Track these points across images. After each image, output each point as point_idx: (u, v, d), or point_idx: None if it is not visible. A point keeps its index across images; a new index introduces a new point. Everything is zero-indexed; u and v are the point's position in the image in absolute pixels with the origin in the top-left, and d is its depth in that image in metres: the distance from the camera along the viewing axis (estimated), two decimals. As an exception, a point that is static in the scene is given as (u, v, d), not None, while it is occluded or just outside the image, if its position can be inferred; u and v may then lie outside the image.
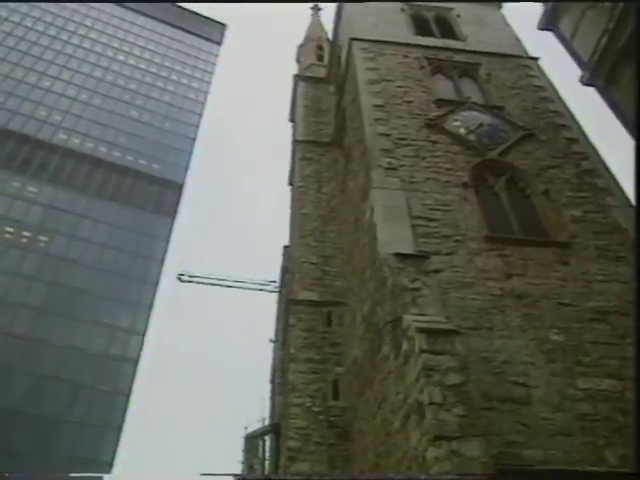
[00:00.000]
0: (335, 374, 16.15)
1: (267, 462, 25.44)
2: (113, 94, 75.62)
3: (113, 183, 65.01)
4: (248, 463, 29.04)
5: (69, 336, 50.03)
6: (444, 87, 19.71)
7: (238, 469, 31.10)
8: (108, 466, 44.80)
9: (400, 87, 19.00)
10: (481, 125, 17.18)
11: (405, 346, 10.59)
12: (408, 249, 12.90)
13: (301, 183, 22.68)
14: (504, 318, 12.08)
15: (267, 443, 26.41)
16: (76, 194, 61.72)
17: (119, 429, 47.25)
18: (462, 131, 17.13)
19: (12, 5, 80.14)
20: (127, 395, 49.22)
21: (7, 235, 55.53)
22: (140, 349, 52.48)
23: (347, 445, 14.61)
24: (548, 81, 20.25)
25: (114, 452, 45.92)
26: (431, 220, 14.06)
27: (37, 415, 44.85)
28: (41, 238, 56.80)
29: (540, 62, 21.49)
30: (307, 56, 34.75)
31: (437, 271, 12.65)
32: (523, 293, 12.61)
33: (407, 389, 10.12)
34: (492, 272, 13.04)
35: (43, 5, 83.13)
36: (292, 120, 32.81)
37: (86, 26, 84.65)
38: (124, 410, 48.41)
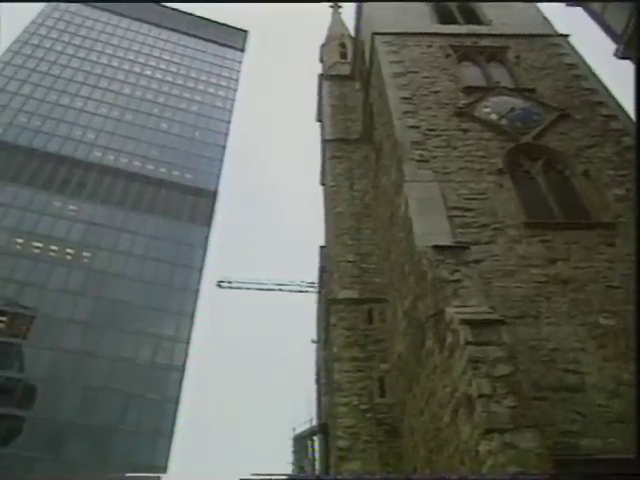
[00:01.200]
0: (380, 371, 16.04)
1: (317, 462, 25.50)
2: (143, 109, 77.27)
3: (149, 196, 66.44)
4: (298, 464, 29.17)
5: (116, 347, 51.36)
6: (472, 74, 19.32)
7: (288, 470, 31.26)
8: (163, 470, 45.80)
9: (426, 78, 18.72)
10: (513, 109, 16.78)
11: (449, 339, 10.43)
12: (446, 241, 12.70)
13: (333, 182, 22.63)
14: (550, 305, 11.76)
15: (316, 443, 26.48)
16: (114, 209, 63.33)
17: (170, 435, 48.27)
18: (493, 117, 16.77)
19: (42, 31, 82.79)
20: (176, 402, 50.23)
21: (52, 253, 57.37)
22: (185, 356, 53.46)
23: (397, 442, 14.48)
24: (580, 58, 19.58)
25: (167, 457, 46.90)
26: (468, 210, 13.81)
27: (91, 425, 46.21)
28: (84, 254, 58.50)
29: (570, 39, 20.83)
30: (330, 55, 34.67)
31: (477, 261, 12.40)
32: (569, 278, 12.25)
33: (454, 382, 9.96)
34: (534, 259, 12.72)
35: (71, 29, 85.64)
36: (319, 120, 32.80)
37: (113, 45, 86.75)
38: (174, 417, 49.42)
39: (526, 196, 14.33)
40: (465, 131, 16.39)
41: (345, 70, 31.30)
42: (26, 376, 48.71)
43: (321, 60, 36.77)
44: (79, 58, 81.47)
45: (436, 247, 12.34)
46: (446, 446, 10.34)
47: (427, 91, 18.10)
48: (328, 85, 29.37)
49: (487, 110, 17.02)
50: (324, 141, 26.53)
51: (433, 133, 16.35)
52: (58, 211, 61.32)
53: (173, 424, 49.02)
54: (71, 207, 62.46)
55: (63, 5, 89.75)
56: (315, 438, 25.26)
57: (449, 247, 12.46)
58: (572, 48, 20.29)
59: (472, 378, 9.13)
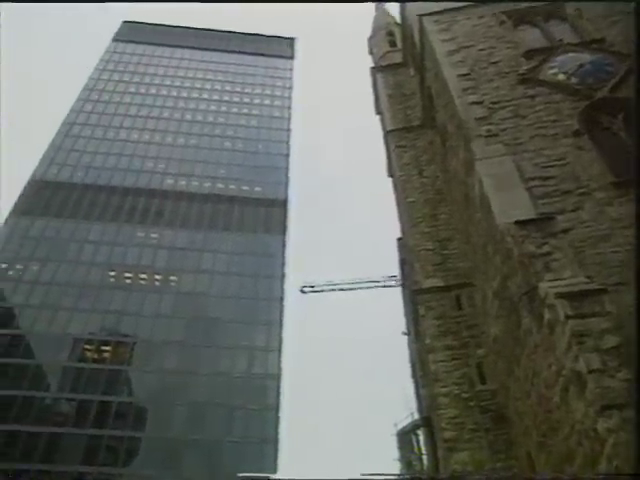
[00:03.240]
0: (477, 357, 15.57)
1: (424, 456, 25.14)
2: (206, 131, 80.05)
3: (223, 214, 68.59)
4: (405, 460, 28.95)
5: (213, 363, 53.29)
6: (531, 36, 18.37)
7: (395, 466, 31.07)
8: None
9: (483, 50, 18.01)
10: (581, 65, 15.76)
11: (547, 315, 9.93)
12: (528, 214, 12.13)
13: (401, 172, 22.27)
14: (655, 265, 10.91)
15: (420, 437, 26.13)
16: (193, 231, 65.88)
17: (275, 442, 49.32)
18: (561, 77, 15.84)
19: (105, 76, 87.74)
20: (276, 409, 51.29)
21: (142, 282, 60.48)
22: (279, 364, 54.50)
23: (505, 428, 13.97)
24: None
25: (275, 464, 47.93)
26: (547, 179, 13.11)
27: (201, 440, 48.13)
28: (171, 278, 61.23)
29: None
30: (379, 46, 34.23)
31: (566, 230, 11.74)
32: (670, 234, 11.32)
33: (559, 360, 9.46)
34: (629, 219, 11.86)
35: (130, 68, 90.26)
36: (378, 112, 32.45)
37: (169, 76, 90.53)
38: (276, 424, 50.47)
39: (610, 155, 13.40)
40: (532, 97, 15.59)
41: (396, 58, 30.78)
42: (135, 399, 51.60)
43: (370, 52, 36.40)
44: (141, 94, 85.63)
45: (519, 222, 11.83)
46: (560, 428, 9.84)
47: (485, 63, 17.42)
48: (382, 76, 29.01)
49: (553, 71, 16.11)
50: (386, 132, 26.20)
51: (498, 105, 15.69)
52: (142, 241, 64.59)
53: (277, 431, 50.10)
54: (153, 235, 65.59)
55: (121, 46, 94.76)
56: (419, 432, 24.94)
57: (533, 220, 11.90)
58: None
59: (579, 353, 8.65)
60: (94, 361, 54.04)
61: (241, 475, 42.75)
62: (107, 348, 55.12)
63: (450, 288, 17.29)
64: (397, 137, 24.05)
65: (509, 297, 12.35)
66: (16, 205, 66.27)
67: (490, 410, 14.55)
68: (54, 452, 47.18)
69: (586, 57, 16.06)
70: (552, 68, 16.22)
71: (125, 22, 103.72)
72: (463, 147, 16.13)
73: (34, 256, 61.13)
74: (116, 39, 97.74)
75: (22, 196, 67.54)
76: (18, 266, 60.50)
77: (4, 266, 60.24)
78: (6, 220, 64.21)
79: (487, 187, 13.47)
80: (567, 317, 9.14)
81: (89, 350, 54.92)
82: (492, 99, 16.03)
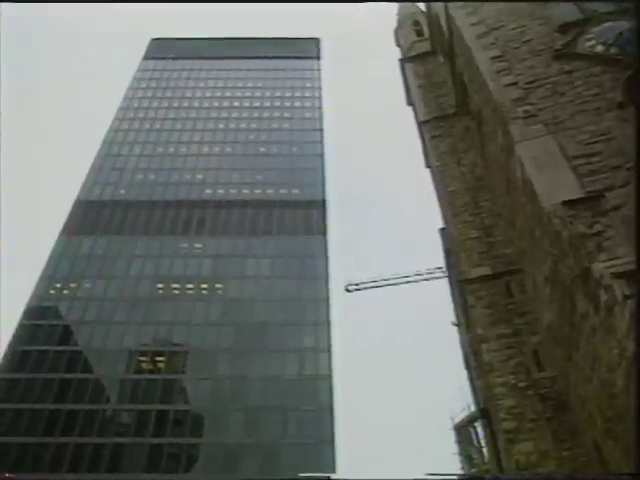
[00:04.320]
0: (532, 344, 15.13)
1: (484, 449, 24.67)
2: (240, 139, 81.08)
3: (263, 219, 69.25)
4: (465, 453, 28.47)
5: (264, 367, 53.79)
6: (564, 10, 17.70)
7: (454, 461, 30.62)
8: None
9: (514, 29, 17.52)
10: (620, 34, 15.11)
11: (604, 297, 9.57)
12: (575, 193, 11.71)
13: (439, 162, 21.92)
14: None
15: (479, 430, 25.65)
16: (234, 238, 66.75)
17: (332, 442, 49.31)
18: (599, 48, 15.23)
19: (139, 94, 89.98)
20: (330, 409, 51.31)
21: (189, 291, 61.69)
22: (330, 364, 54.53)
23: (568, 416, 13.52)
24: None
25: (334, 464, 47.91)
26: (592, 155, 12.62)
27: (258, 444, 48.71)
28: (217, 286, 62.23)
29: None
30: (406, 37, 33.81)
31: (617, 207, 11.26)
32: None
33: (620, 342, 9.10)
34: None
35: (162, 83, 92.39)
36: (410, 104, 32.06)
37: (201, 87, 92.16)
38: (332, 424, 50.48)
39: (658, 124, 12.79)
40: (570, 73, 15.06)
41: (424, 47, 30.34)
42: (191, 407, 52.64)
43: (397, 44, 36.00)
44: (174, 108, 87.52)
45: (566, 203, 11.44)
46: (627, 413, 9.44)
47: (517, 43, 16.94)
48: (411, 67, 28.65)
49: (591, 43, 15.51)
50: (420, 123, 25.85)
51: (534, 85, 15.23)
52: (186, 252, 65.91)
53: (333, 431, 50.10)
54: (197, 245, 66.85)
55: (152, 63, 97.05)
56: (477, 424, 24.49)
57: (581, 199, 11.49)
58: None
59: (641, 334, 8.26)
60: (149, 372, 55.47)
61: (302, 475, 42.94)
62: (161, 358, 56.47)
63: (498, 276, 16.87)
64: (432, 127, 23.68)
65: (561, 281, 11.96)
66: (65, 226, 68.72)
67: (550, 398, 14.12)
68: (119, 461, 48.66)
69: (624, 25, 15.38)
70: (589, 40, 15.64)
71: (154, 39, 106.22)
72: (501, 131, 15.74)
73: (85, 274, 63.22)
74: (146, 57, 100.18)
75: (70, 217, 69.99)
76: (72, 285, 62.68)
77: (58, 285, 62.50)
78: (57, 241, 66.62)
79: (529, 169, 13.09)
80: (625, 297, 8.78)
81: (144, 361, 56.41)
82: (527, 79, 15.58)
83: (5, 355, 55.23)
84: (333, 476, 45.29)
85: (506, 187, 16.41)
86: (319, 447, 48.96)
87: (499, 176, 17.41)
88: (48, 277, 62.71)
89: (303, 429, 50.14)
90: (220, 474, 47.29)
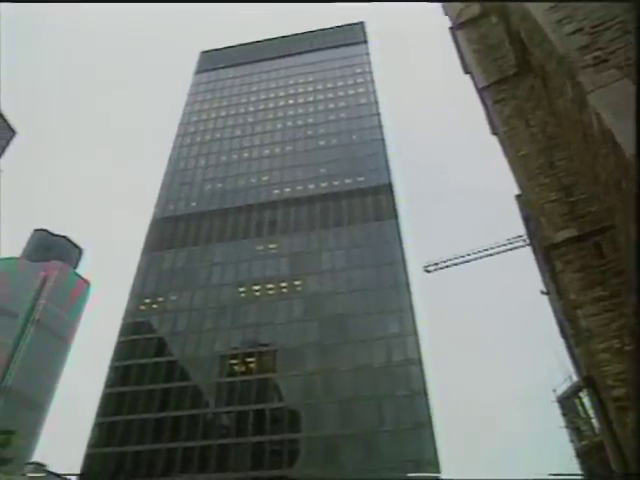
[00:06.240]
0: (633, 304, 14.12)
1: (593, 420, 23.49)
2: (299, 136, 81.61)
3: (332, 211, 69.45)
4: (572, 426, 27.21)
5: (353, 358, 54.04)
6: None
7: (562, 435, 29.35)
8: (434, 464, 46.34)
9: (568, -27, 16.35)
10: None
11: None
12: (663, 135, 10.74)
13: (506, 127, 20.89)
14: None
15: (585, 400, 24.44)
16: (307, 234, 67.38)
17: (430, 426, 48.78)
18: (670, -23, 13.92)
19: (196, 107, 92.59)
20: (424, 393, 50.75)
21: (270, 292, 62.98)
22: (418, 348, 53.90)
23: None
24: None
25: (434, 449, 47.37)
26: (677, 92, 11.54)
27: (356, 434, 49.03)
28: (296, 283, 63.08)
29: None
30: (453, 5, 32.62)
31: None
32: None
33: None
34: None
35: (217, 94, 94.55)
36: (467, 72, 30.91)
37: (254, 91, 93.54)
38: (427, 408, 49.92)
39: None
40: (640, 7, 13.85)
41: (474, 11, 29.03)
42: (286, 404, 53.79)
43: (446, 14, 34.80)
44: (232, 115, 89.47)
45: (654, 147, 10.51)
46: None
47: (575, -13, 15.79)
48: (463, 33, 27.48)
49: (659, -28, 14.20)
50: (480, 90, 24.80)
51: (602, 27, 14.10)
52: (262, 253, 67.33)
53: (429, 414, 49.57)
54: (271, 246, 68.10)
55: (205, 76, 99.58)
56: (582, 395, 23.34)
57: (670, 141, 10.51)
58: None
59: None
60: (242, 374, 57.24)
61: (410, 475, 42.63)
62: (251, 359, 58.10)
63: (586, 237, 15.84)
64: (494, 92, 22.59)
65: (659, 232, 11.04)
66: (145, 244, 72.09)
67: (661, 359, 13.14)
68: (225, 462, 50.59)
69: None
70: (656, -31, 14.31)
71: (203, 52, 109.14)
72: (570, 83, 14.75)
73: (171, 287, 66.10)
74: (198, 71, 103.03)
75: (149, 234, 73.37)
76: (159, 299, 65.71)
77: (147, 301, 65.71)
78: (140, 259, 70.00)
79: (607, 118, 12.14)
80: None
81: (235, 364, 58.26)
82: (592, 23, 14.46)
83: (109, 371, 58.83)
84: (441, 476, 44.59)
85: (583, 142, 15.40)
86: (417, 432, 48.63)
87: (573, 131, 16.37)
88: (137, 294, 66.10)
89: (399, 415, 49.97)
90: (322, 466, 48.04)
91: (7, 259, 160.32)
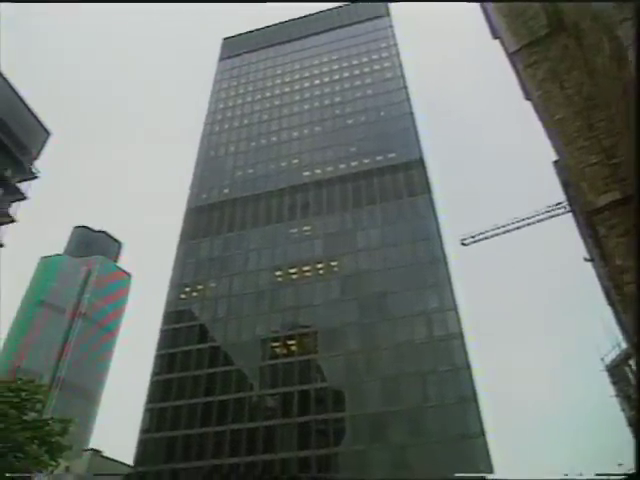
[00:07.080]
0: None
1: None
2: (327, 115, 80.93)
3: (365, 189, 68.93)
4: (623, 394, 26.64)
5: (393, 335, 53.99)
6: None
7: (612, 403, 28.78)
8: (481, 436, 46.09)
9: None
10: None
11: None
12: None
13: (539, 91, 20.07)
14: None
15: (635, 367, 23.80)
16: (341, 214, 67.18)
17: (475, 399, 48.50)
18: None
19: (222, 94, 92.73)
20: (467, 367, 50.38)
21: (307, 274, 63.23)
22: (459, 322, 53.40)
23: None
24: None
25: (481, 422, 47.11)
26: None
27: (400, 410, 49.17)
28: (332, 264, 63.13)
29: None
30: (478, -33, 31.47)
31: None
32: None
33: None
34: None
35: (242, 79, 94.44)
36: (496, 37, 29.90)
37: (279, 74, 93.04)
38: (471, 382, 49.60)
39: None
40: (680, -48, 13.03)
41: (501, -28, 28.02)
42: (329, 384, 54.26)
43: (471, -22, 33.63)
44: (258, 100, 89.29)
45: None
46: None
47: (607, -63, 14.95)
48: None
49: None
50: (511, 55, 23.95)
51: (638, -23, 13.37)
52: (297, 236, 67.53)
53: (474, 389, 49.27)
54: (305, 228, 68.18)
55: (229, 62, 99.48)
56: (631, 362, 22.74)
57: None
58: None
59: None
60: (284, 356, 57.89)
61: (458, 475, 42.47)
62: (292, 342, 58.69)
63: (630, 199, 15.23)
64: (525, 55, 21.69)
65: None
66: (182, 233, 73.20)
67: None
68: (272, 442, 51.56)
69: None
70: None
71: (225, 39, 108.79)
72: (607, 39, 14.06)
73: (209, 274, 67.14)
74: (222, 57, 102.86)
75: (184, 224, 74.42)
76: (199, 287, 66.85)
77: (187, 289, 66.94)
78: (177, 249, 71.17)
79: (649, 73, 11.55)
80: None
81: (277, 347, 58.95)
82: (628, -26, 13.73)
83: (155, 359, 60.39)
84: (489, 476, 44.15)
85: (623, 101, 14.71)
86: (462, 406, 48.42)
87: (613, 90, 15.65)
88: (177, 283, 67.38)
89: (443, 390, 49.84)
90: (369, 443, 48.44)
91: (53, 257, 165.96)
